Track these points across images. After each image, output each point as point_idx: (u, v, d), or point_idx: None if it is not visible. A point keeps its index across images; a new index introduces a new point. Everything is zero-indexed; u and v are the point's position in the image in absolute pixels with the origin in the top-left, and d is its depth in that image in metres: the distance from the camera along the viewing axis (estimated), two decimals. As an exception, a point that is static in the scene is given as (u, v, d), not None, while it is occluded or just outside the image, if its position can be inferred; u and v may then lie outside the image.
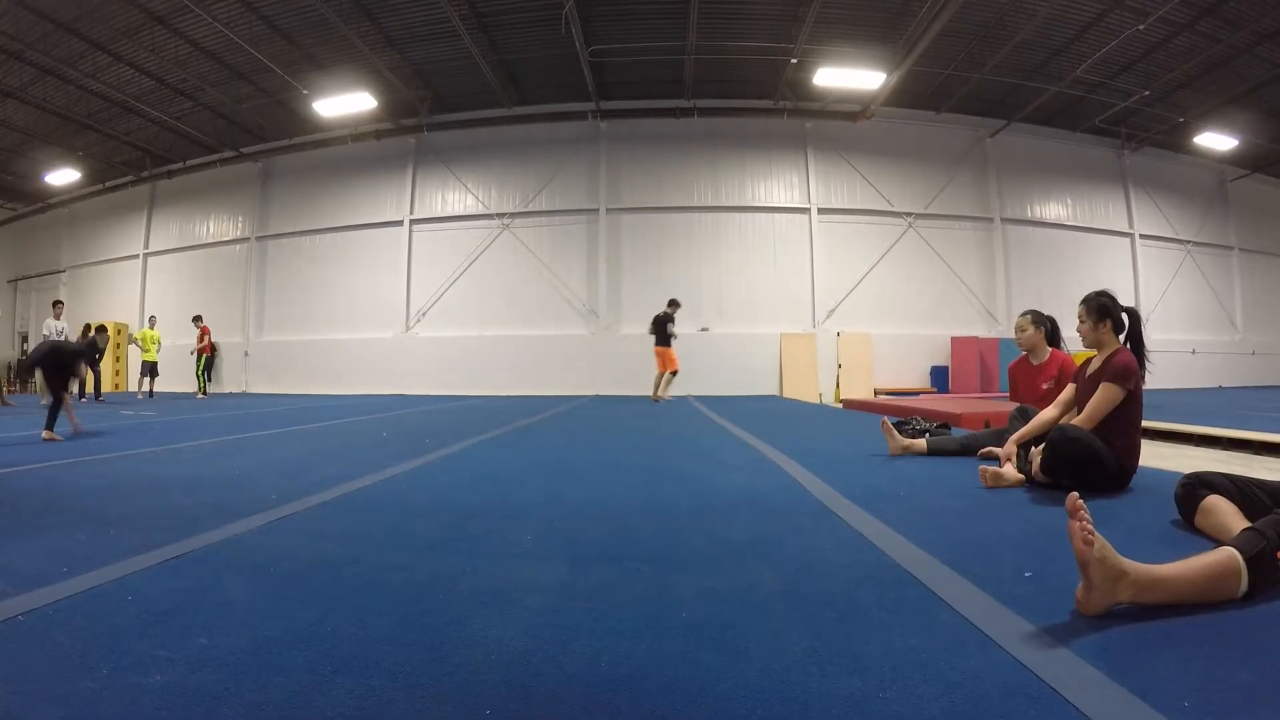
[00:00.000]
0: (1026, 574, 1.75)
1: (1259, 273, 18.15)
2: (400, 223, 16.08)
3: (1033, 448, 3.14)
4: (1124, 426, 2.90)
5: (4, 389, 10.18)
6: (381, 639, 1.35)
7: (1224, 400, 10.77)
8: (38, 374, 6.42)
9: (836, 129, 15.24)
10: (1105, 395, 2.87)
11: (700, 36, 12.37)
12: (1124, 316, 3.06)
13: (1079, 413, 2.99)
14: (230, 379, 16.77)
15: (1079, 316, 3.10)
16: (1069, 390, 3.18)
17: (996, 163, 15.94)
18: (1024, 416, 3.46)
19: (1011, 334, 14.84)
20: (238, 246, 17.40)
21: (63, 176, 17.54)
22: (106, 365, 14.95)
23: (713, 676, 1.17)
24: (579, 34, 11.54)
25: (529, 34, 12.69)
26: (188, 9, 11.10)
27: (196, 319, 13.42)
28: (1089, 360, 3.15)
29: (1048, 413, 3.20)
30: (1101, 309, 3.04)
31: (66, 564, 1.87)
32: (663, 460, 4.32)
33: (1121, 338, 3.06)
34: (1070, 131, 16.18)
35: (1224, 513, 2.01)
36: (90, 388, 12.40)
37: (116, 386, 17.14)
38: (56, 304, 12.10)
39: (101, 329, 12.79)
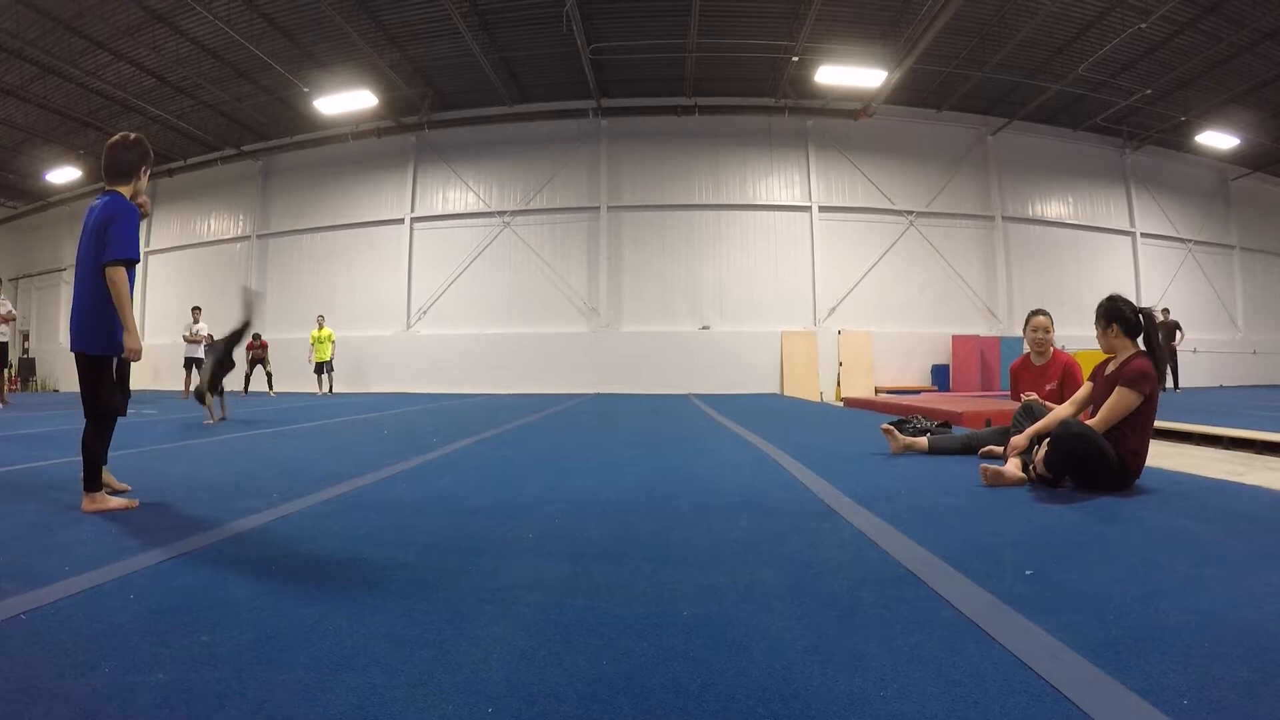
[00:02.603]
0: (1028, 572, 1.76)
1: (1260, 272, 18.13)
2: (401, 220, 16.08)
3: (1035, 446, 3.13)
4: (1134, 429, 2.90)
5: (3, 388, 10.13)
6: (383, 637, 1.35)
7: (1225, 399, 10.76)
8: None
9: (838, 127, 15.23)
10: (1121, 400, 2.86)
11: (702, 34, 12.36)
12: (1139, 319, 3.04)
13: (1094, 412, 2.98)
14: (232, 378, 16.74)
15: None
16: (1085, 389, 3.17)
17: (998, 161, 15.93)
18: (1029, 415, 3.45)
19: (1012, 333, 14.80)
20: (238, 244, 17.41)
21: (64, 175, 17.56)
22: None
23: (714, 674, 1.17)
24: (580, 32, 11.53)
25: (530, 31, 12.68)
26: (188, 7, 11.09)
27: (196, 309, 13.25)
28: (1107, 360, 3.14)
29: (1064, 409, 3.19)
30: (1108, 313, 3.03)
31: (68, 562, 1.87)
32: (664, 458, 4.32)
33: (1139, 341, 3.04)
34: (1072, 130, 16.17)
35: None
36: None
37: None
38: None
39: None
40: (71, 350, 2.67)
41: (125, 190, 2.72)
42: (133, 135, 2.81)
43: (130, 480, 3.07)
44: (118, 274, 2.55)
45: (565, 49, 12.68)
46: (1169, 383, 13.75)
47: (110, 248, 2.55)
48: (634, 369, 14.74)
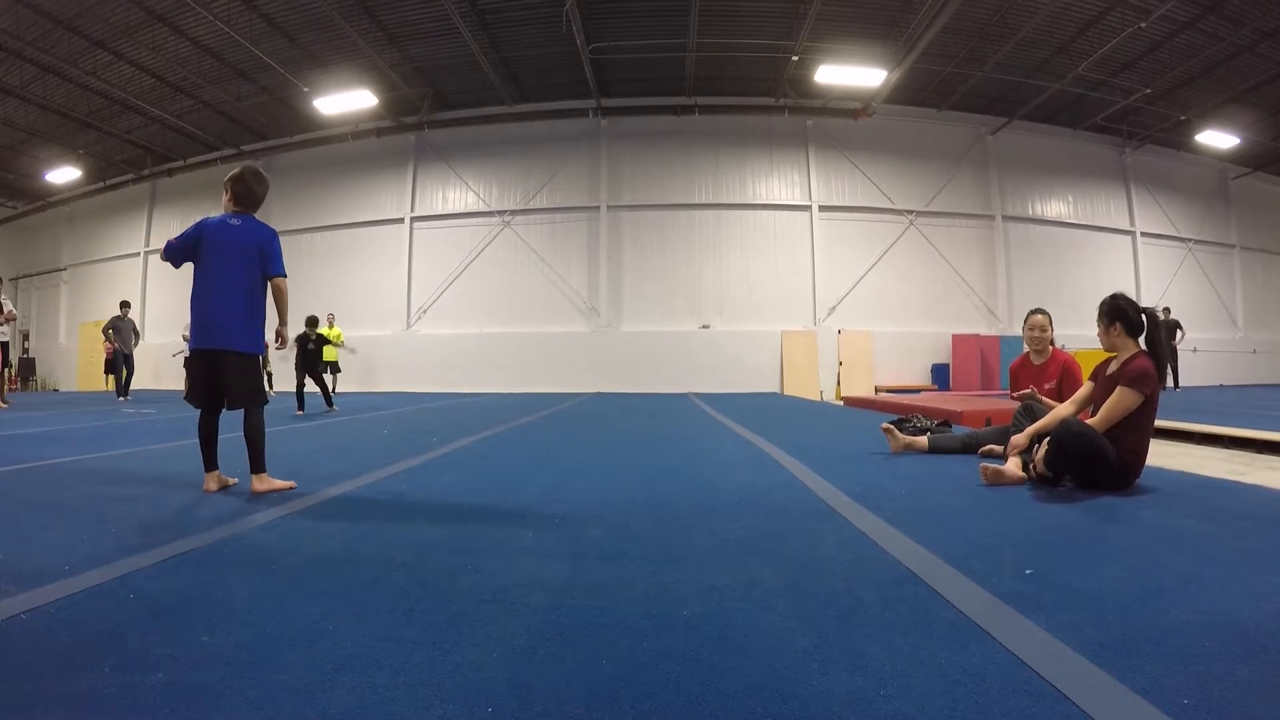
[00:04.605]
0: (1028, 571, 1.75)
1: (1260, 271, 18.13)
2: (401, 220, 16.09)
3: (1035, 446, 3.13)
4: (1134, 429, 2.89)
5: (3, 388, 10.10)
6: (383, 637, 1.35)
7: (1225, 399, 10.76)
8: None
9: (838, 126, 15.23)
10: (1121, 400, 2.86)
11: (701, 34, 12.36)
12: (1142, 318, 3.03)
13: (1094, 411, 2.98)
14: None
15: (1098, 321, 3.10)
16: (1086, 388, 3.17)
17: (998, 160, 15.93)
18: (1029, 414, 3.45)
19: (1012, 332, 14.82)
20: (238, 244, 17.37)
21: (63, 175, 17.56)
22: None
23: (714, 674, 1.17)
24: (580, 31, 11.52)
25: (530, 31, 12.68)
26: (188, 7, 11.09)
27: None
28: (1108, 360, 3.13)
29: (1064, 408, 3.19)
30: (1111, 311, 3.02)
31: (68, 562, 1.87)
32: (664, 457, 4.32)
33: (1141, 340, 3.04)
34: (1071, 129, 16.16)
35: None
36: (113, 385, 12.11)
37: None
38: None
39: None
40: (226, 348, 2.99)
41: (256, 216, 3.16)
42: (259, 168, 3.29)
43: (132, 479, 3.07)
44: (285, 283, 3.13)
45: (565, 49, 12.67)
46: (1169, 382, 13.80)
47: (274, 263, 3.07)
48: (634, 368, 14.73)
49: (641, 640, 1.33)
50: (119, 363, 11.80)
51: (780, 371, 14.64)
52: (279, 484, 3.02)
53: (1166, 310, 14.06)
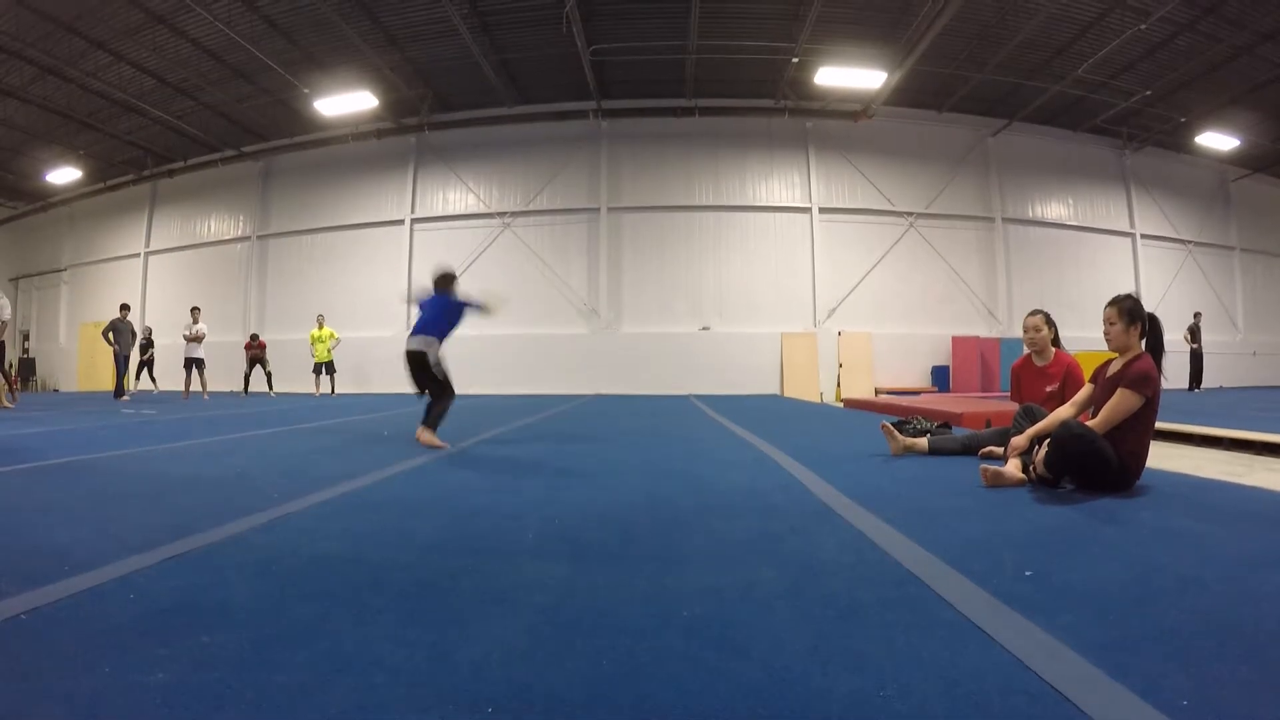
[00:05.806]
0: (1027, 573, 1.75)
1: (1260, 273, 18.13)
2: (401, 222, 16.08)
3: (1036, 446, 3.13)
4: (1134, 431, 2.89)
5: (4, 389, 10.08)
6: (383, 637, 1.35)
7: (1225, 400, 10.76)
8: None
9: (838, 128, 15.24)
10: (1122, 402, 2.86)
11: (702, 36, 12.37)
12: (1147, 324, 3.05)
13: (1094, 413, 2.98)
14: (232, 379, 16.75)
15: (1108, 319, 3.06)
16: (1086, 390, 3.17)
17: (998, 162, 15.93)
18: (1029, 416, 3.44)
19: (1012, 334, 14.83)
20: (239, 245, 17.41)
21: (64, 175, 17.55)
22: (106, 362, 14.88)
23: (714, 675, 1.17)
24: (580, 33, 11.54)
25: (530, 33, 12.69)
26: (188, 8, 11.09)
27: (195, 309, 13.08)
28: (1108, 362, 3.13)
29: (1064, 410, 3.18)
30: (1134, 313, 3.02)
31: (68, 563, 1.87)
32: (664, 459, 4.32)
33: (1142, 343, 3.05)
34: (1072, 131, 16.17)
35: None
36: (113, 384, 12.10)
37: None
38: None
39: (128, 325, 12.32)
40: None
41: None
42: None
43: (130, 479, 3.07)
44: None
45: (565, 50, 12.68)
46: (1187, 383, 14.09)
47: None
48: (634, 370, 14.73)
49: (641, 640, 1.33)
50: (119, 362, 11.84)
51: (780, 373, 14.63)
52: (438, 441, 4.62)
53: (1197, 315, 14.58)
